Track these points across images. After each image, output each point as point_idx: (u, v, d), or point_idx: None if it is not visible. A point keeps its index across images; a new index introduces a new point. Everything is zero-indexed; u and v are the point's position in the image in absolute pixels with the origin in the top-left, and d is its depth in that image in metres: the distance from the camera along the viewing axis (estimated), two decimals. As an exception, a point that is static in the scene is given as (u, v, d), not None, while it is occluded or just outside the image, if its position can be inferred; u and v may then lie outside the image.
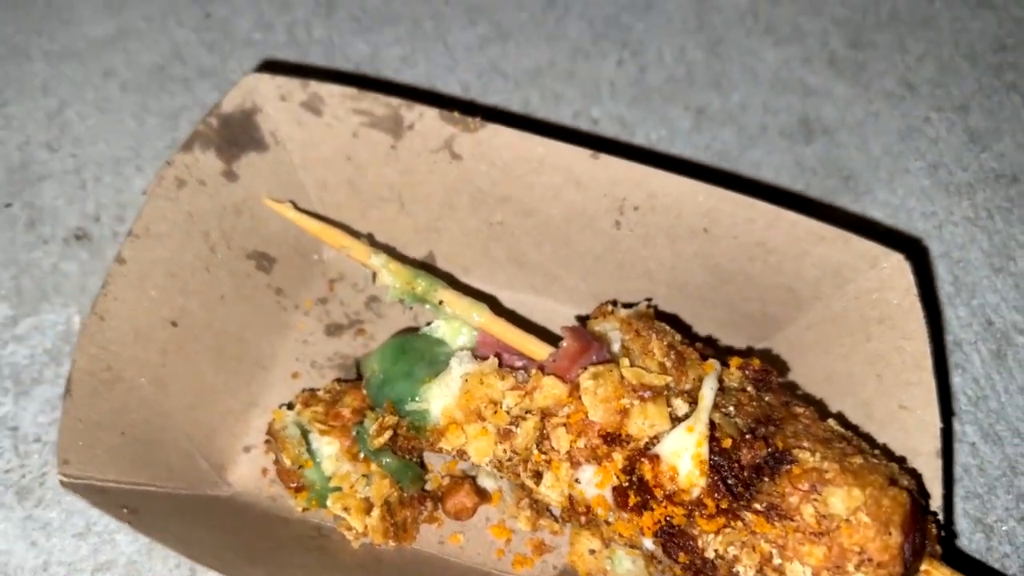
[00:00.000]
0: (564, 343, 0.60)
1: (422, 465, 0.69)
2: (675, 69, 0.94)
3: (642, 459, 0.55)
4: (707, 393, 0.56)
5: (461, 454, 0.61)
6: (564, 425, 0.57)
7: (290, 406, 0.69)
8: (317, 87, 0.70)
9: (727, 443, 0.54)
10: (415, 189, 0.74)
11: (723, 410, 0.56)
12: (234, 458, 0.70)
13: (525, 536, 0.68)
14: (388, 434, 0.63)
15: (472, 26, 0.96)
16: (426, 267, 0.75)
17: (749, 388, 0.59)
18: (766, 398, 0.59)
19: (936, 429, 0.62)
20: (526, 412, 0.59)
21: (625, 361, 0.58)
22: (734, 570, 0.54)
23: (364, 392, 0.66)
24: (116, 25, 0.93)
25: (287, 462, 0.65)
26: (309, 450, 0.66)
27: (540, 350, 0.62)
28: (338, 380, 0.72)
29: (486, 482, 0.69)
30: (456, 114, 0.70)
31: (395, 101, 0.70)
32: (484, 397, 0.60)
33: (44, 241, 0.80)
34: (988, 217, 0.87)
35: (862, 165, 0.89)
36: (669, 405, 0.56)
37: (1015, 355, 0.80)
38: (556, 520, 0.68)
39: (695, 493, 0.53)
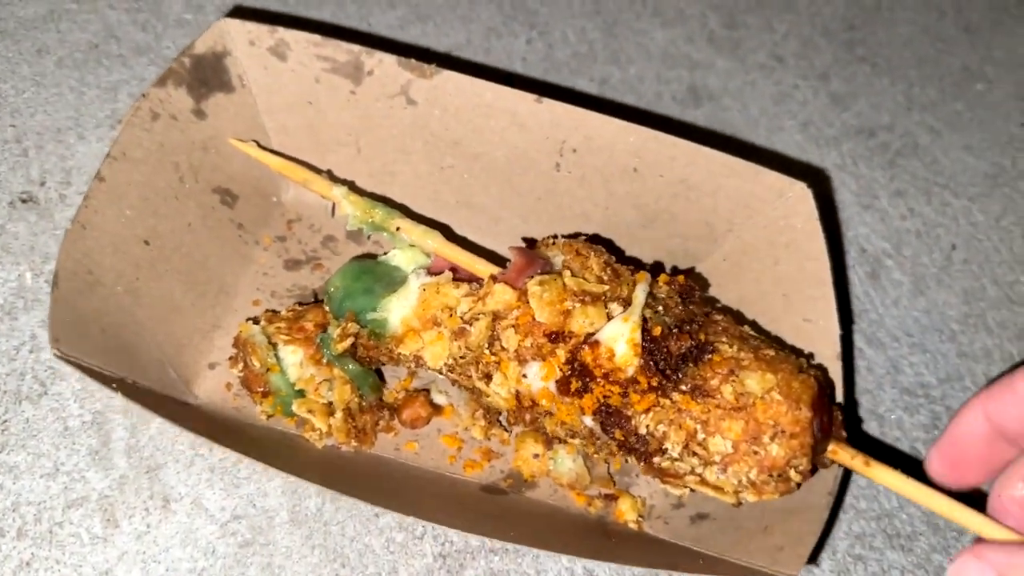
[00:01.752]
0: (512, 259, 0.64)
1: (380, 378, 0.72)
2: (578, 47, 1.01)
3: (583, 347, 0.59)
4: (639, 293, 0.61)
5: (417, 360, 0.64)
6: (513, 327, 0.60)
7: (255, 321, 0.71)
8: (284, 33, 0.72)
9: (657, 331, 0.59)
10: (372, 134, 0.76)
11: (653, 310, 0.61)
12: (199, 373, 0.71)
13: (475, 444, 0.72)
14: (350, 341, 0.65)
15: (392, 9, 1.00)
16: (383, 200, 0.78)
17: (675, 298, 0.64)
18: (690, 306, 0.64)
19: (836, 336, 0.67)
20: (479, 315, 0.62)
21: (567, 273, 0.62)
22: (664, 446, 0.58)
23: (326, 308, 0.68)
24: (46, 6, 0.91)
25: (256, 364, 0.67)
26: (276, 356, 0.68)
27: (489, 270, 0.65)
28: (298, 303, 0.74)
29: (438, 398, 0.73)
30: (413, 60, 0.72)
31: (356, 48, 0.72)
32: (440, 304, 0.63)
33: (-12, 205, 0.79)
34: (853, 164, 0.97)
35: (744, 125, 0.98)
36: (606, 307, 0.60)
37: (887, 275, 0.89)
38: (505, 429, 0.72)
39: (630, 372, 0.58)
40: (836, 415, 0.62)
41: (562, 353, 0.59)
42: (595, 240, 0.73)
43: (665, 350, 0.58)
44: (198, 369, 0.71)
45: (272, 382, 0.68)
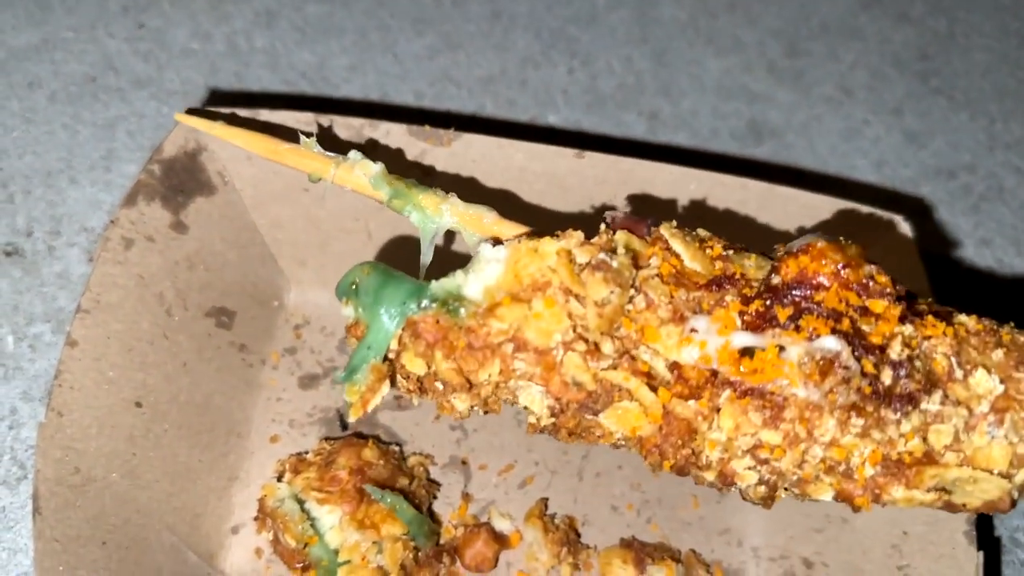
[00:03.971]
0: (612, 223, 0.49)
1: (432, 517, 0.61)
2: (625, 77, 0.92)
3: (787, 257, 0.44)
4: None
5: (519, 344, 0.45)
6: (658, 276, 0.45)
7: (279, 476, 0.60)
8: (268, 115, 0.62)
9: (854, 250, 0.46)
10: (383, 214, 0.63)
11: None
12: (223, 542, 0.60)
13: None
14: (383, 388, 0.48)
15: (419, 37, 0.90)
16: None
17: None
18: None
19: None
20: (612, 256, 0.45)
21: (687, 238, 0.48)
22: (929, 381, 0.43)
23: (350, 313, 0.49)
24: (40, 35, 0.82)
25: (291, 542, 0.56)
26: (312, 524, 0.57)
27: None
28: (326, 439, 0.63)
29: (500, 523, 0.62)
30: (427, 127, 0.62)
31: (357, 121, 0.62)
32: (542, 266, 0.45)
33: (-34, 260, 0.71)
34: (933, 209, 0.89)
35: (811, 164, 0.90)
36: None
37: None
38: (587, 547, 0.62)
39: (867, 269, 0.44)
40: None
41: (732, 299, 0.44)
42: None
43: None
44: (220, 538, 0.60)
45: (312, 554, 0.56)
